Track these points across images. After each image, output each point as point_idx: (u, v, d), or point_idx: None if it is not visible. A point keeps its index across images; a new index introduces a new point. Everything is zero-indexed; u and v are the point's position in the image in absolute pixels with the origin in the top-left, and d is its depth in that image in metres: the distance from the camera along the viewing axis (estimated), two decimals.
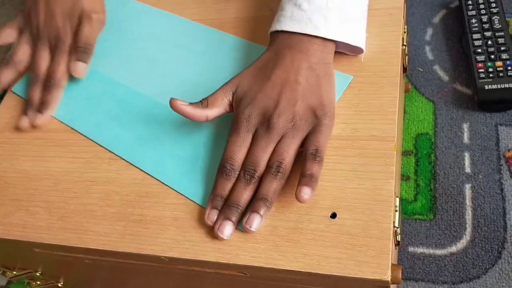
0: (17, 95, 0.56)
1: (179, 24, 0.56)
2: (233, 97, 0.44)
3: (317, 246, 0.38)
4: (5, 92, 0.56)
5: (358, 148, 0.42)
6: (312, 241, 0.39)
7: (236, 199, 0.40)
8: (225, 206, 0.41)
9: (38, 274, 0.55)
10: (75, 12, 0.53)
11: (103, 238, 0.43)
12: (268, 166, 0.41)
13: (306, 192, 0.38)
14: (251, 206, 0.40)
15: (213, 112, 0.44)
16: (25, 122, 0.51)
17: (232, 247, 0.40)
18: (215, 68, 0.50)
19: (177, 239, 0.41)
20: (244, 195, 0.41)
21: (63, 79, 0.53)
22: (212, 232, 0.40)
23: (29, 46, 0.55)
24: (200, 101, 0.44)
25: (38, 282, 0.57)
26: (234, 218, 0.40)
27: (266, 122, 0.42)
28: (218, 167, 0.43)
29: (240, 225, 0.40)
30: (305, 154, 0.41)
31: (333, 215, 0.39)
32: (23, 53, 0.55)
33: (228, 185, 0.42)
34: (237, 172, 0.42)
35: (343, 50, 0.47)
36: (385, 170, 0.40)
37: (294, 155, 0.41)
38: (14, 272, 0.55)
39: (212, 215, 0.41)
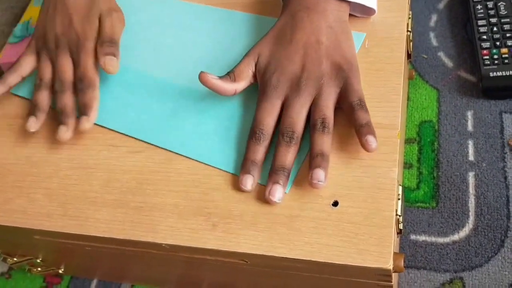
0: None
1: (185, 8, 0.55)
2: (256, 67, 0.44)
3: (318, 234, 0.38)
4: None
5: None
6: (314, 229, 0.38)
7: (281, 163, 0.41)
8: (272, 172, 0.41)
9: (38, 261, 0.55)
10: (94, 15, 0.50)
11: (104, 225, 0.42)
12: (313, 125, 0.41)
13: (372, 140, 0.39)
14: (310, 165, 0.40)
15: (241, 85, 0.44)
16: (65, 131, 0.47)
17: (233, 234, 0.39)
18: (227, 45, 0.50)
19: (178, 226, 0.41)
20: (288, 157, 0.41)
21: (96, 78, 0.49)
22: (212, 219, 0.40)
23: (50, 63, 0.51)
24: (227, 74, 0.44)
25: (39, 269, 0.57)
26: (282, 181, 0.40)
27: (296, 87, 0.42)
28: (249, 134, 0.43)
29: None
30: (351, 106, 0.41)
31: (335, 203, 0.39)
32: (48, 71, 0.51)
33: (259, 150, 0.42)
34: (268, 137, 0.42)
35: (356, 13, 0.47)
36: (388, 158, 0.40)
37: (333, 110, 0.42)
38: (15, 259, 0.55)
39: (245, 180, 0.41)
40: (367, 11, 0.47)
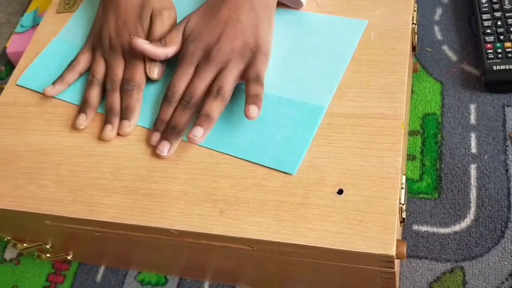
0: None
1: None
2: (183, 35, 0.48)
3: (323, 221, 0.39)
4: (10, 70, 0.57)
5: (365, 126, 0.42)
6: (319, 216, 0.39)
7: (174, 122, 0.45)
8: (165, 129, 0.46)
9: (48, 247, 0.56)
10: (146, 13, 0.51)
11: (113, 211, 0.43)
12: (209, 90, 0.45)
13: (253, 109, 0.42)
14: (195, 122, 0.44)
15: (171, 49, 0.48)
16: (110, 131, 0.48)
17: (239, 221, 0.40)
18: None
19: (186, 212, 0.42)
20: (182, 119, 0.45)
21: (143, 82, 0.50)
22: (219, 205, 0.41)
23: (104, 61, 0.52)
24: (159, 40, 0.49)
25: (48, 255, 0.58)
26: (171, 139, 0.45)
27: (206, 56, 0.46)
28: (163, 96, 0.47)
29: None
30: (248, 79, 0.44)
31: (340, 192, 0.40)
32: (101, 70, 0.51)
33: (170, 111, 0.46)
34: (177, 100, 0.46)
35: (285, 2, 0.51)
36: (392, 148, 0.41)
37: (233, 83, 0.45)
38: (25, 245, 0.56)
39: (153, 137, 0.46)
40: (297, 2, 0.50)
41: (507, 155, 0.56)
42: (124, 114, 0.48)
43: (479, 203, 0.54)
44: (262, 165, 0.43)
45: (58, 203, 0.45)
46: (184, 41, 0.48)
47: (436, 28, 0.67)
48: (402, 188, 0.40)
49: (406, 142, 0.57)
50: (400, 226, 0.45)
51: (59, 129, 0.50)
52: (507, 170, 0.55)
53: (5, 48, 0.79)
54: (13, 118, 0.53)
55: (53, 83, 0.52)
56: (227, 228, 0.40)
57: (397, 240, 0.38)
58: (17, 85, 0.55)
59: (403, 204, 0.40)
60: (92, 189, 0.45)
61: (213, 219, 0.41)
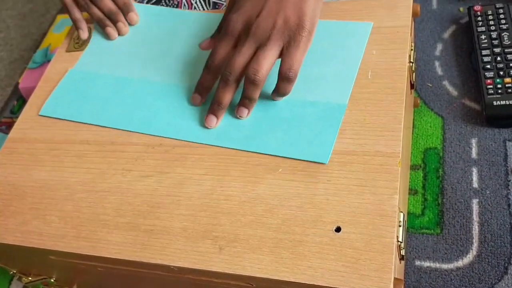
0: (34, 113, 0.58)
1: (198, 17, 0.59)
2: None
3: (321, 259, 0.39)
4: (20, 106, 0.59)
5: (363, 163, 0.43)
6: (317, 254, 0.40)
7: (218, 99, 0.48)
8: (211, 103, 0.49)
9: (52, 280, 0.56)
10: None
11: (115, 247, 0.44)
12: (246, 73, 0.46)
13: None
14: (238, 103, 0.48)
15: None
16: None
17: (239, 258, 0.41)
18: None
19: (186, 249, 0.42)
20: (225, 96, 0.48)
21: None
22: (219, 242, 0.42)
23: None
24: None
25: None
26: (217, 114, 0.49)
27: (246, 31, 0.46)
28: (205, 63, 0.49)
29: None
30: (280, 74, 0.45)
31: (338, 229, 0.40)
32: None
33: (207, 78, 0.49)
34: (217, 69, 0.49)
35: None
36: (389, 186, 0.41)
37: (269, 66, 0.46)
38: (30, 278, 0.57)
39: (195, 100, 0.51)
40: None
41: (509, 189, 0.56)
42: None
43: (482, 238, 0.54)
44: (295, 159, 0.45)
45: (62, 238, 0.46)
46: (228, 11, 0.49)
47: (437, 64, 0.68)
48: (400, 226, 0.40)
49: (407, 177, 0.58)
50: (400, 263, 0.45)
51: (66, 165, 0.52)
52: (509, 205, 0.55)
53: (17, 83, 0.82)
54: (22, 154, 0.54)
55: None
56: (226, 265, 0.41)
57: (395, 278, 0.38)
58: (39, 115, 0.57)
59: (401, 242, 0.41)
60: (95, 225, 0.46)
61: (213, 256, 0.41)
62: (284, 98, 0.49)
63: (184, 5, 0.84)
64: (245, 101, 0.48)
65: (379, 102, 0.46)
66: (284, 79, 0.46)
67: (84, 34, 0.63)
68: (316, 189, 0.43)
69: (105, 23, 0.61)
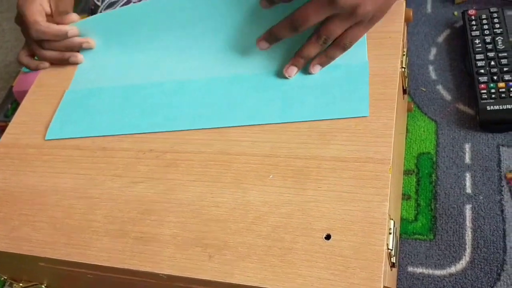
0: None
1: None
2: None
3: (311, 267, 0.39)
4: (14, 109, 0.58)
5: (354, 170, 0.43)
6: (306, 262, 0.39)
7: (307, 53, 0.50)
8: (296, 54, 0.51)
9: (43, 286, 0.56)
10: None
11: (105, 254, 0.44)
12: (317, 35, 0.49)
13: (317, 68, 0.50)
14: (293, 59, 0.51)
15: None
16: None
17: (228, 266, 0.40)
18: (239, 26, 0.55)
19: (175, 256, 0.42)
20: (313, 52, 0.50)
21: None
22: (208, 250, 0.41)
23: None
24: None
25: None
26: (298, 65, 0.51)
27: (353, 9, 0.46)
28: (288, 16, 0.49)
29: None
30: (341, 40, 0.49)
31: (328, 237, 0.40)
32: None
33: (286, 32, 0.50)
34: (304, 29, 0.49)
35: None
36: (379, 193, 0.41)
37: (356, 40, 0.49)
38: (21, 284, 0.56)
39: (262, 45, 0.52)
40: None
41: (502, 195, 0.56)
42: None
43: (475, 244, 0.53)
44: (335, 119, 0.46)
45: (51, 245, 0.46)
46: None
47: (431, 68, 0.68)
48: (390, 233, 0.40)
49: (400, 182, 0.57)
50: (391, 270, 0.45)
51: (56, 171, 0.51)
52: (502, 211, 0.55)
53: (11, 87, 0.82)
54: (13, 159, 0.54)
55: None
56: (215, 273, 0.40)
57: (384, 287, 0.37)
58: (46, 140, 0.55)
59: (391, 250, 0.40)
60: (85, 231, 0.46)
61: (202, 264, 0.41)
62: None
63: None
64: (300, 60, 0.50)
65: (371, 108, 0.46)
66: (342, 49, 0.50)
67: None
68: (306, 195, 0.43)
69: (64, 56, 0.61)
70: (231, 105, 0.51)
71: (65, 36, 0.59)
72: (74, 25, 0.59)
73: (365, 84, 0.48)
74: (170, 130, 0.51)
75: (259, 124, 0.48)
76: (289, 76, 0.51)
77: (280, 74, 0.52)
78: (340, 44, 0.50)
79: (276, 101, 0.50)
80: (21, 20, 0.60)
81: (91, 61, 0.61)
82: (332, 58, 0.51)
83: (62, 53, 0.61)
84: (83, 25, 0.59)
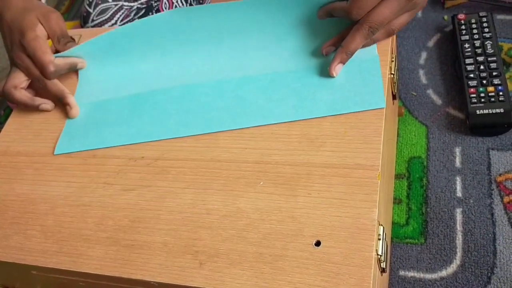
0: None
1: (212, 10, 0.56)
2: None
3: (301, 273, 0.39)
4: (7, 115, 0.58)
5: (343, 176, 0.43)
6: (297, 268, 0.39)
7: (353, 47, 0.48)
8: (340, 51, 0.49)
9: None
10: None
11: (96, 262, 0.44)
12: (361, 23, 0.47)
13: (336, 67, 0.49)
14: (335, 60, 0.49)
15: None
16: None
17: (219, 273, 0.41)
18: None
19: (166, 264, 0.42)
20: (360, 45, 0.48)
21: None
22: (199, 257, 0.42)
23: None
24: None
25: None
26: (345, 61, 0.49)
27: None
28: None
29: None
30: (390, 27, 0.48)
31: (318, 243, 0.40)
32: None
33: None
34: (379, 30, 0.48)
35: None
36: (368, 199, 0.41)
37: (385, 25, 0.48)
38: None
39: (329, 51, 0.51)
40: None
41: (492, 199, 0.56)
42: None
43: (465, 248, 0.54)
44: (351, 113, 0.46)
45: (43, 254, 0.46)
46: None
47: (421, 72, 0.68)
48: (380, 239, 0.40)
49: (391, 187, 0.58)
50: (381, 275, 0.45)
51: (47, 179, 0.51)
52: (492, 215, 0.55)
53: None
54: (4, 168, 0.54)
55: None
56: (206, 280, 0.41)
57: None
58: (55, 154, 0.54)
59: (380, 255, 0.40)
60: (76, 239, 0.46)
61: (193, 271, 0.41)
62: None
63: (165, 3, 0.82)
64: (345, 56, 0.49)
65: (360, 114, 0.46)
66: (388, 34, 0.49)
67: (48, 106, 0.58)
68: (296, 202, 0.43)
69: (35, 103, 0.57)
70: (244, 106, 0.51)
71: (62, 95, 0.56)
72: (77, 48, 0.58)
73: (378, 77, 0.48)
74: (183, 135, 0.50)
75: (271, 124, 0.48)
76: (336, 75, 0.49)
77: (289, 73, 0.51)
78: (388, 30, 0.49)
79: (288, 100, 0.49)
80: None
81: (92, 75, 0.60)
82: (352, 52, 0.49)
83: (33, 99, 0.57)
84: (84, 48, 0.58)
